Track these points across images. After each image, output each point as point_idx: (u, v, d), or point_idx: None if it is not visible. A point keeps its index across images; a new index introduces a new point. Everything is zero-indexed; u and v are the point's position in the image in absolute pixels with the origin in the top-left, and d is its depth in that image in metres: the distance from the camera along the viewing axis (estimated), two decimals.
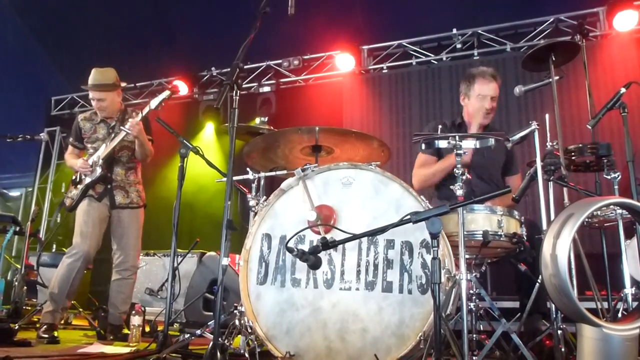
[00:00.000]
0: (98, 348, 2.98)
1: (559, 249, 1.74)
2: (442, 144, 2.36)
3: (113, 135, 3.67)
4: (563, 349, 2.19)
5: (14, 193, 10.13)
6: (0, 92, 7.27)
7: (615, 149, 2.75)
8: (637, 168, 2.62)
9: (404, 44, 6.51)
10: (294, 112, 6.77)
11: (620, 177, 2.62)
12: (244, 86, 6.96)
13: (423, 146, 2.69)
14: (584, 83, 3.34)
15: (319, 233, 2.32)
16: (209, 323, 2.84)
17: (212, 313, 4.21)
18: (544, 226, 2.38)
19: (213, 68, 7.40)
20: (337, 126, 4.46)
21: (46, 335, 3.28)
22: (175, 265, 2.90)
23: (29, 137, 4.26)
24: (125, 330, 3.61)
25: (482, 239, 2.32)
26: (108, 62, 3.77)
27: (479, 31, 6.18)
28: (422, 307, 2.14)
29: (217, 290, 2.05)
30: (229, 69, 2.39)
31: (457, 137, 2.28)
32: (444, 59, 6.33)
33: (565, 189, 2.84)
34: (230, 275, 3.45)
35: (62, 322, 4.40)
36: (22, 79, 7.66)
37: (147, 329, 4.00)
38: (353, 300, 2.23)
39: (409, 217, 1.88)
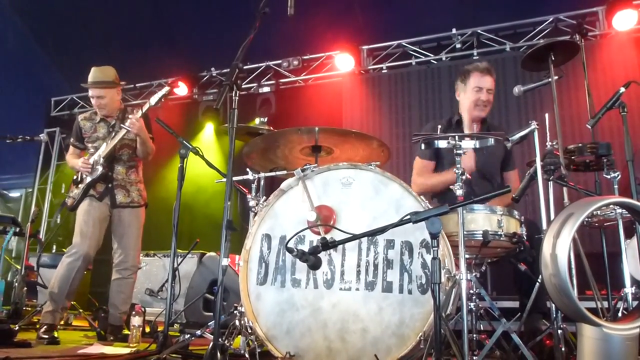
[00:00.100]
0: (98, 349, 2.99)
1: (559, 248, 1.74)
2: (442, 144, 2.36)
3: (113, 133, 3.68)
4: (563, 349, 2.19)
5: (14, 194, 10.14)
6: (0, 92, 7.26)
7: (614, 149, 2.76)
8: (637, 167, 2.62)
9: (404, 44, 6.50)
10: (294, 112, 6.77)
11: (620, 176, 2.63)
12: (243, 86, 6.95)
13: (422, 146, 2.69)
14: (583, 83, 3.35)
15: (318, 233, 2.32)
16: (209, 323, 2.84)
17: (212, 313, 4.22)
18: (544, 226, 2.38)
19: (213, 68, 7.39)
20: (337, 126, 4.46)
21: (46, 336, 3.28)
22: (175, 265, 2.90)
23: (28, 138, 4.26)
24: (126, 331, 3.61)
25: (482, 238, 2.32)
26: (108, 63, 3.78)
27: (479, 31, 6.17)
28: (422, 307, 2.15)
29: (217, 291, 2.05)
30: (228, 70, 2.39)
31: (456, 137, 2.28)
32: (444, 58, 6.32)
33: (565, 189, 2.85)
34: (230, 276, 3.45)
35: (62, 322, 4.40)
36: (22, 80, 7.65)
37: (147, 329, 4.00)
38: (353, 300, 2.23)
39: (408, 217, 1.88)
